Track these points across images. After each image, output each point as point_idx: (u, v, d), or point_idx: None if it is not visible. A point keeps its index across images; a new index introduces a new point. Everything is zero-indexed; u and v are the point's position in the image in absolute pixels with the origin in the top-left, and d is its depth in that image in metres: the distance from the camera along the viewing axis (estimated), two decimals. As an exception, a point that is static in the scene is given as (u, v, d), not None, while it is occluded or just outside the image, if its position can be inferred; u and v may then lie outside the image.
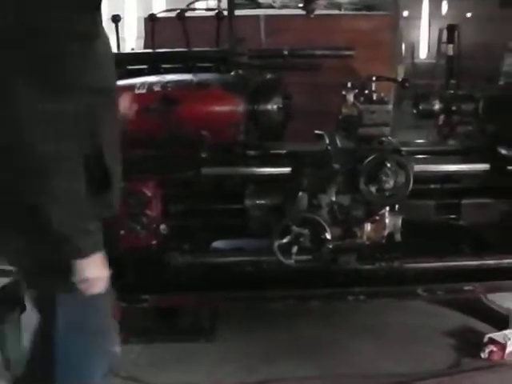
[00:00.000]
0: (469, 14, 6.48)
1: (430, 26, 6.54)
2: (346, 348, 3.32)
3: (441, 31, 5.92)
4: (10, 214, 1.73)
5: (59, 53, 1.63)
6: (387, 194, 2.85)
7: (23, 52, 1.61)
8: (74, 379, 1.95)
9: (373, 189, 2.84)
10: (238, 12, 4.19)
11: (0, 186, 1.69)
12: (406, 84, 3.16)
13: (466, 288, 3.14)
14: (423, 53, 6.53)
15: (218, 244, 3.27)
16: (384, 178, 2.80)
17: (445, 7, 6.69)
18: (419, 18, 6.61)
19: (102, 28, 1.82)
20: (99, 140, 1.77)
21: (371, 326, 3.48)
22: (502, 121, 3.32)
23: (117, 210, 1.89)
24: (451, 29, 5.22)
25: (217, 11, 3.40)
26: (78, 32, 1.66)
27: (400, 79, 3.21)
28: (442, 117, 3.54)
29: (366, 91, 3.06)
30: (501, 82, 3.41)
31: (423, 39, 6.55)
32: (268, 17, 4.31)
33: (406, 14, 6.48)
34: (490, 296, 3.47)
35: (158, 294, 3.11)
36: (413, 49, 6.59)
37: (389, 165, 2.78)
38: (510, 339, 3.30)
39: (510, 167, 3.10)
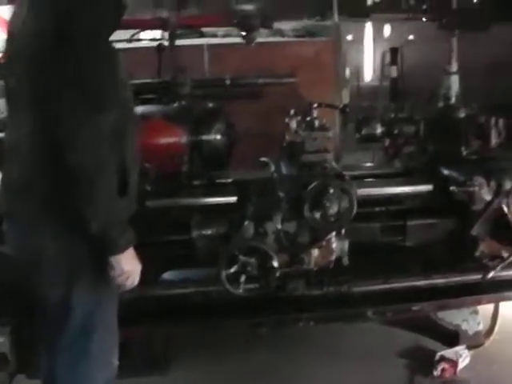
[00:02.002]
0: (411, 37, 6.62)
1: (374, 49, 6.68)
2: (301, 370, 3.33)
3: (383, 54, 6.04)
4: (59, 217, 2.00)
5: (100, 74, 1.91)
6: (332, 219, 2.87)
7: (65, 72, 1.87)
8: None
9: (317, 215, 2.86)
10: (181, 42, 4.23)
11: (52, 194, 1.98)
12: (346, 110, 3.21)
13: (415, 308, 3.18)
14: (368, 76, 6.65)
15: (167, 275, 3.24)
16: (327, 204, 2.83)
17: (387, 30, 6.83)
18: (363, 41, 6.75)
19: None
20: (123, 149, 2.07)
21: (324, 348, 3.50)
22: (443, 142, 3.39)
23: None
24: (393, 52, 5.35)
25: (158, 43, 3.41)
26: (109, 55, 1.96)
27: (343, 104, 3.24)
28: (387, 139, 3.61)
29: (308, 118, 3.09)
30: (440, 104, 3.48)
31: (367, 62, 6.67)
32: (211, 46, 4.35)
33: (349, 37, 6.60)
34: (440, 314, 3.50)
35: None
36: (358, 72, 6.71)
37: (331, 190, 2.81)
38: (461, 356, 3.36)
39: (451, 187, 3.15)
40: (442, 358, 3.32)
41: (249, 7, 6.69)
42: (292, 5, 6.39)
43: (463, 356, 3.34)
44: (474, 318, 3.49)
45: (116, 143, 2.02)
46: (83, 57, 1.89)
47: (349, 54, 6.43)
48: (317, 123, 3.07)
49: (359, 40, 6.73)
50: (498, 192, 3.12)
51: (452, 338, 3.48)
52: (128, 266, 2.09)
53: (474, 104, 3.42)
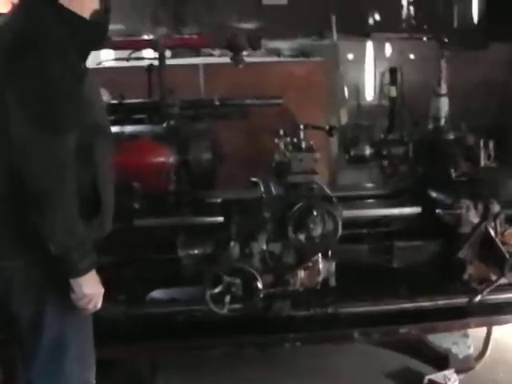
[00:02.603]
0: (411, 56, 6.62)
1: (374, 68, 6.68)
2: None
3: (382, 74, 6.03)
4: (18, 235, 2.05)
5: (54, 97, 1.96)
6: (316, 241, 2.86)
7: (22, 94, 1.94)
8: None
9: (301, 236, 2.87)
10: (177, 61, 4.26)
11: (6, 211, 2.04)
12: (332, 132, 3.21)
13: (401, 330, 3.17)
14: (368, 95, 6.65)
15: (153, 294, 3.24)
16: (311, 226, 2.83)
17: (388, 49, 6.83)
18: (363, 60, 6.75)
19: (88, 73, 2.16)
20: (94, 170, 2.11)
21: (311, 370, 3.48)
22: (432, 164, 3.39)
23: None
24: (393, 71, 5.35)
25: (148, 63, 3.43)
26: (70, 78, 2.00)
27: (329, 125, 3.25)
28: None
29: (295, 139, 3.10)
30: (429, 126, 3.48)
31: (368, 81, 6.67)
32: (207, 65, 4.37)
33: (350, 56, 6.61)
34: (430, 336, 3.48)
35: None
36: (358, 91, 6.71)
37: (315, 212, 2.81)
38: (449, 380, 3.33)
39: (438, 210, 3.14)
40: (431, 382, 3.30)
41: (247, 26, 6.75)
42: (291, 24, 6.44)
43: (452, 380, 3.32)
44: (465, 341, 3.46)
45: (82, 165, 2.05)
46: (36, 82, 1.95)
47: (349, 72, 6.44)
48: (303, 144, 3.07)
49: (359, 59, 6.72)
50: (485, 215, 3.11)
51: (442, 361, 3.45)
52: (89, 290, 2.09)
53: (463, 125, 3.41)
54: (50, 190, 1.96)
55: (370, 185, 4.26)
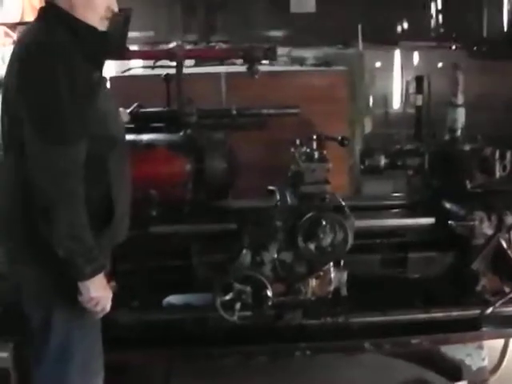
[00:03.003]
0: (439, 65, 6.58)
1: (402, 76, 6.67)
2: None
3: (407, 83, 6.03)
4: (29, 242, 2.16)
5: (61, 110, 2.05)
6: (326, 250, 2.89)
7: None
8: None
9: (311, 246, 2.89)
10: (199, 69, 4.31)
11: (19, 219, 2.15)
12: (345, 142, 3.23)
13: (413, 341, 3.17)
14: (396, 103, 6.65)
15: (168, 300, 3.30)
16: (321, 236, 2.85)
17: (416, 58, 6.81)
18: (391, 69, 6.75)
19: (104, 84, 2.27)
20: (107, 181, 2.20)
21: (324, 381, 3.49)
22: (447, 175, 3.39)
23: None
24: (419, 80, 5.34)
25: (165, 73, 3.49)
26: (79, 91, 2.08)
27: (341, 136, 3.26)
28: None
29: (308, 149, 3.13)
30: (446, 137, 3.48)
31: (396, 90, 6.67)
32: (228, 74, 4.40)
33: (377, 65, 6.61)
34: (444, 348, 3.47)
35: (107, 353, 3.14)
36: (385, 100, 6.71)
37: (324, 222, 2.83)
38: (462, 392, 3.32)
39: (452, 221, 3.14)
40: (443, 393, 3.30)
41: (275, 34, 6.79)
42: (319, 32, 6.46)
43: (464, 392, 3.31)
44: (479, 353, 3.43)
45: (94, 175, 2.14)
46: (44, 97, 2.05)
47: (376, 81, 6.44)
48: (316, 154, 3.10)
49: (387, 68, 6.72)
50: (499, 227, 3.10)
51: (455, 372, 3.44)
52: (96, 293, 2.18)
53: (479, 137, 3.40)
54: (57, 199, 2.05)
55: (395, 194, 4.28)
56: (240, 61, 4.29)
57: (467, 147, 3.37)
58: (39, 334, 2.25)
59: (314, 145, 3.14)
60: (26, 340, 2.42)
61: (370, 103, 5.91)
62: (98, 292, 2.19)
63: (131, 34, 6.25)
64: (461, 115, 3.44)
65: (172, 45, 3.57)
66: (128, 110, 3.33)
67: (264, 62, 3.84)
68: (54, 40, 2.10)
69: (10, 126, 2.17)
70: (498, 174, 3.31)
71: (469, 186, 3.34)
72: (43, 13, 2.24)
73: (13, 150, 2.15)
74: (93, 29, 2.20)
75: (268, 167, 3.86)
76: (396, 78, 6.75)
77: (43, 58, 2.06)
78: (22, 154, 2.08)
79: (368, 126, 5.53)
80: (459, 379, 3.40)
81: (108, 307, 2.28)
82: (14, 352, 3.03)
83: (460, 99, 3.44)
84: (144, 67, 4.27)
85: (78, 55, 2.12)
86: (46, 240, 2.10)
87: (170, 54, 3.34)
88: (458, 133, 3.42)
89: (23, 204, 2.13)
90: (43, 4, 2.29)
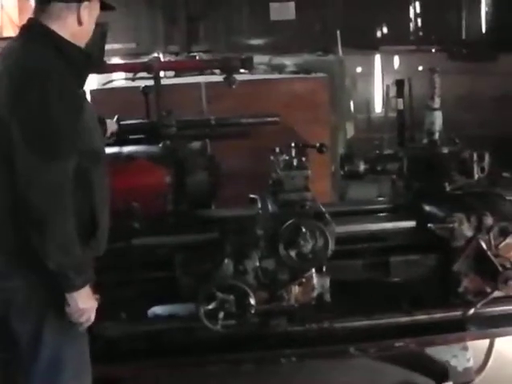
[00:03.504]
0: (420, 68, 6.65)
1: (383, 81, 6.73)
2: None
3: (388, 87, 6.08)
4: (18, 256, 2.19)
5: (54, 129, 2.10)
6: (307, 257, 2.90)
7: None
8: None
9: (293, 253, 2.90)
10: (179, 80, 4.34)
11: (9, 231, 2.18)
12: (323, 149, 3.25)
13: (398, 344, 3.19)
14: (378, 108, 6.71)
15: (154, 311, 3.31)
16: (302, 243, 2.87)
17: (396, 62, 6.88)
18: (371, 74, 6.81)
19: (87, 100, 2.34)
20: (91, 194, 2.25)
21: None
22: (426, 178, 3.41)
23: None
24: (400, 84, 5.37)
25: (143, 86, 3.51)
26: (69, 110, 2.14)
27: (319, 143, 3.28)
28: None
29: (287, 157, 3.15)
30: (424, 140, 3.50)
31: (377, 94, 6.72)
32: (209, 84, 4.44)
33: (358, 70, 6.68)
34: (429, 349, 3.49)
35: (95, 366, 3.14)
36: (367, 104, 6.77)
37: (304, 229, 2.85)
38: (448, 393, 3.34)
39: (431, 224, 3.16)
40: (429, 395, 3.32)
41: (256, 42, 6.84)
42: (299, 39, 6.52)
43: (450, 393, 3.33)
44: (464, 354, 3.46)
45: (80, 189, 2.19)
46: (37, 117, 2.10)
47: (356, 86, 6.50)
48: (295, 162, 3.12)
49: (367, 72, 6.79)
50: (478, 228, 3.12)
51: (441, 374, 3.46)
52: (83, 304, 2.23)
53: (457, 139, 3.43)
54: (49, 213, 2.10)
55: (378, 199, 4.31)
56: (220, 71, 4.32)
57: (445, 150, 3.40)
58: (30, 349, 2.26)
59: (293, 152, 3.15)
60: (14, 356, 2.43)
61: (352, 108, 5.96)
62: (86, 303, 2.24)
63: (114, 46, 6.29)
64: (438, 118, 3.47)
65: (149, 58, 3.60)
66: (114, 120, 3.34)
67: (243, 70, 3.87)
68: (43, 59, 2.16)
69: None
70: (476, 176, 3.34)
71: (448, 188, 3.37)
72: (28, 30, 2.27)
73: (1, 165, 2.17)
74: (78, 48, 2.27)
75: (250, 176, 3.89)
76: (377, 82, 6.82)
77: (34, 79, 2.12)
78: (10, 170, 2.12)
79: (350, 131, 5.59)
80: (445, 380, 3.42)
81: (92, 318, 2.32)
82: (2, 371, 3.03)
83: (437, 102, 3.47)
84: (125, 79, 4.31)
85: (66, 73, 2.18)
86: (36, 252, 2.13)
87: (146, 67, 3.36)
88: (436, 136, 3.45)
89: (13, 217, 2.16)
90: (23, 20, 2.32)
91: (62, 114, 2.11)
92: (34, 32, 2.25)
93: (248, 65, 3.44)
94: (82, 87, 2.33)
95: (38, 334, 2.25)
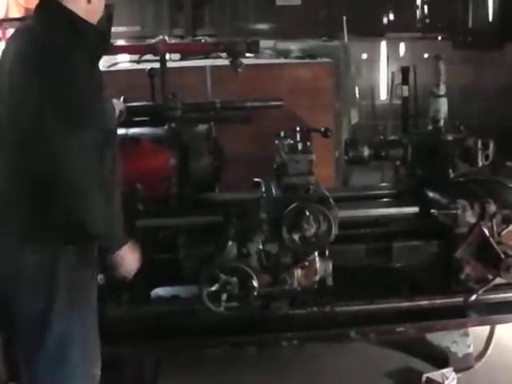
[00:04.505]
0: (426, 55, 6.62)
1: (388, 68, 6.71)
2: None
3: (393, 74, 6.06)
4: (40, 235, 2.22)
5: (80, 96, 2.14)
6: (309, 241, 2.91)
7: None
8: None
9: (296, 237, 2.91)
10: (185, 63, 4.33)
11: (33, 213, 2.19)
12: (328, 133, 3.25)
13: (398, 329, 3.21)
14: (383, 95, 6.69)
15: (156, 293, 3.32)
16: (305, 227, 2.88)
17: (402, 49, 6.86)
18: (377, 60, 6.79)
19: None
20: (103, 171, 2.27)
21: (311, 369, 3.52)
22: (430, 165, 3.42)
23: None
24: (405, 71, 5.36)
25: (149, 68, 3.51)
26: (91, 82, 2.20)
27: (324, 128, 3.28)
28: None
29: (291, 141, 3.15)
30: (429, 127, 3.50)
31: (382, 81, 6.71)
32: (214, 67, 4.43)
33: (364, 57, 6.66)
34: (430, 335, 3.51)
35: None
36: (372, 91, 6.76)
37: (308, 213, 2.85)
38: (447, 378, 3.35)
39: (435, 210, 3.16)
40: (428, 380, 3.33)
41: (261, 27, 6.81)
42: (304, 24, 6.49)
43: (449, 378, 3.34)
44: (464, 340, 3.48)
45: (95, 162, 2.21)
46: (60, 91, 2.13)
47: (363, 73, 6.49)
48: (300, 146, 3.12)
49: (373, 59, 6.77)
50: (481, 215, 3.13)
51: (441, 359, 3.48)
52: (130, 259, 2.42)
53: (461, 127, 3.43)
54: (86, 181, 2.15)
55: (381, 184, 4.30)
56: (225, 54, 4.31)
57: (450, 137, 3.40)
58: (38, 327, 2.28)
59: (298, 136, 3.15)
60: (18, 334, 2.45)
61: (357, 95, 5.95)
62: (132, 257, 2.44)
63: (118, 29, 6.27)
64: (443, 105, 3.46)
65: (155, 40, 3.59)
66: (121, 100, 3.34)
67: (248, 55, 3.87)
68: (62, 35, 2.20)
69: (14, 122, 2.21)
70: (480, 164, 3.34)
71: (452, 175, 3.37)
72: (45, 9, 2.29)
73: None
74: (93, 26, 2.31)
75: (255, 160, 3.90)
76: (382, 69, 6.80)
77: (58, 53, 2.16)
78: (25, 148, 2.15)
79: (355, 118, 5.58)
80: (445, 366, 3.44)
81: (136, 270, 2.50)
82: (3, 348, 3.05)
83: (442, 89, 3.47)
84: (130, 62, 4.30)
85: (84, 50, 2.22)
86: (49, 223, 2.19)
87: (152, 49, 3.36)
88: (441, 123, 3.45)
89: (26, 191, 2.19)
90: (29, 1, 2.33)
91: (85, 88, 2.15)
92: (48, 10, 2.27)
93: (254, 48, 3.44)
94: (97, 66, 2.35)
95: (46, 314, 2.26)
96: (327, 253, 3.10)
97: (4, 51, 2.33)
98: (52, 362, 2.30)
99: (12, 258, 2.27)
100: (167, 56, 4.21)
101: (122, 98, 3.44)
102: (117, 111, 3.24)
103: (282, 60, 4.81)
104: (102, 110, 2.27)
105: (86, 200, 2.18)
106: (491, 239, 3.10)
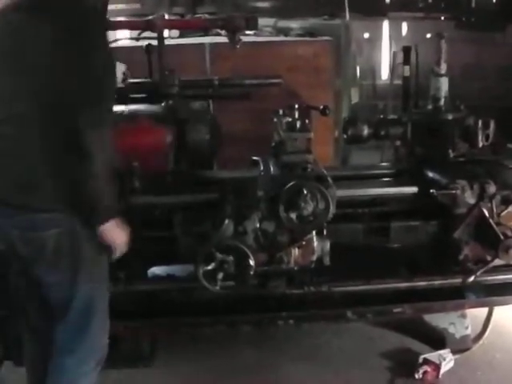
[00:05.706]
0: (428, 35, 6.55)
1: (390, 47, 6.64)
2: (283, 372, 3.35)
3: (394, 53, 5.99)
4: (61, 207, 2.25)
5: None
6: (307, 220, 2.88)
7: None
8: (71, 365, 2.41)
9: (293, 215, 2.88)
10: (184, 40, 4.28)
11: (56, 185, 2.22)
12: (327, 111, 3.21)
13: (395, 310, 3.19)
14: (384, 74, 6.63)
15: (153, 271, 3.30)
16: (302, 205, 2.84)
17: (404, 29, 6.79)
18: (379, 40, 6.72)
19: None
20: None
21: (307, 350, 3.52)
22: (430, 144, 3.38)
23: None
24: (406, 51, 5.29)
25: (146, 44, 3.46)
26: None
27: (323, 105, 3.24)
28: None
29: (290, 119, 3.11)
30: (429, 106, 3.46)
31: (384, 61, 6.64)
32: (213, 45, 4.38)
33: (365, 36, 6.59)
34: (427, 316, 3.49)
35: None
36: (373, 70, 6.69)
37: (306, 191, 2.82)
38: (444, 359, 3.34)
39: (434, 190, 3.13)
40: (425, 361, 3.32)
41: (262, 4, 6.73)
42: (305, 3, 6.41)
43: (447, 359, 3.33)
44: (462, 321, 3.47)
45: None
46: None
47: (364, 52, 6.43)
48: (298, 124, 3.08)
49: (375, 38, 6.71)
50: (481, 196, 3.10)
51: (439, 341, 3.47)
52: (116, 234, 2.38)
53: (462, 106, 3.39)
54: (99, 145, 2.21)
55: (380, 164, 4.27)
56: (224, 32, 4.25)
57: (450, 116, 3.36)
58: (61, 297, 2.35)
59: (296, 114, 3.11)
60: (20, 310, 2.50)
61: (358, 74, 5.89)
62: (118, 232, 2.39)
63: (117, 6, 6.19)
64: (444, 84, 3.42)
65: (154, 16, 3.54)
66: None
67: (248, 32, 3.82)
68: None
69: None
70: (480, 144, 3.30)
71: (451, 155, 3.34)
72: None
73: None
74: None
75: (252, 138, 3.86)
76: (384, 48, 6.73)
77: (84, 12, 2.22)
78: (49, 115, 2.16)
79: (355, 97, 5.53)
80: (442, 347, 3.43)
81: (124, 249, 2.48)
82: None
83: (443, 68, 3.42)
84: (129, 39, 4.25)
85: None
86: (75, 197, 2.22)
87: (150, 25, 3.31)
88: (442, 102, 3.40)
89: (51, 165, 2.21)
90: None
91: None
92: None
93: (252, 24, 3.38)
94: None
95: (71, 285, 2.33)
96: (325, 232, 3.07)
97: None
98: (76, 330, 2.40)
99: (34, 232, 2.28)
100: (166, 34, 4.18)
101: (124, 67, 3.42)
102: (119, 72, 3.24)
103: (281, 38, 4.76)
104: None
105: (96, 165, 2.21)
106: (490, 220, 3.06)
